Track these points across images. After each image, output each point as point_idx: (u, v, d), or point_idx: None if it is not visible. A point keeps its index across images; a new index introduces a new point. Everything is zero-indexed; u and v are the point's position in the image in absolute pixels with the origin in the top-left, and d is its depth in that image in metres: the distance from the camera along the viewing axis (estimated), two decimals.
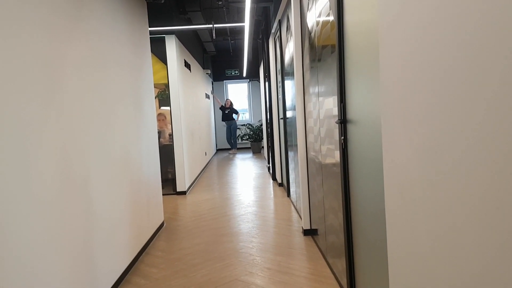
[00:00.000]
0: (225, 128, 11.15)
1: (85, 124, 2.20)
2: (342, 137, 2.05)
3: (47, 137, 1.77)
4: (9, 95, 1.51)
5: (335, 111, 2.24)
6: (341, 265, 2.35)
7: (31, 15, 1.71)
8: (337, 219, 2.38)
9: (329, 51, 2.33)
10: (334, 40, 2.16)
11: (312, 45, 2.86)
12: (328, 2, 2.27)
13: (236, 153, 11.30)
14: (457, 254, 0.89)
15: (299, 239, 3.34)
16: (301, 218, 3.72)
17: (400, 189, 1.20)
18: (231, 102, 11.00)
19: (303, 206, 3.43)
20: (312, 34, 2.82)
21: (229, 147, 11.71)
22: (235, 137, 11.12)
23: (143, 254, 3.20)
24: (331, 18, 2.22)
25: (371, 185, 1.69)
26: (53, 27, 1.91)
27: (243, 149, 12.37)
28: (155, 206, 3.74)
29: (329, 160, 2.49)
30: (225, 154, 11.30)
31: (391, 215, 1.28)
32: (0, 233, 1.41)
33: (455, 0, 0.85)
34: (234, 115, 10.99)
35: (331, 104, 2.34)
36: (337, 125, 2.18)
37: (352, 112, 1.92)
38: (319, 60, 2.62)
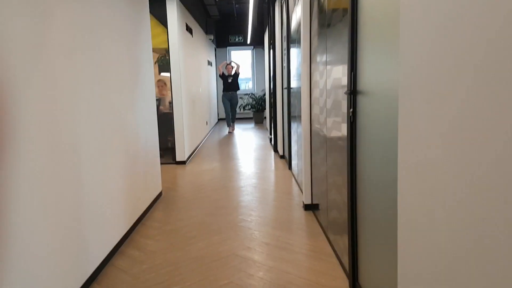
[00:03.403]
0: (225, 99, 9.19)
1: (74, 86, 2.04)
2: (351, 109, 1.90)
3: (31, 97, 1.62)
4: None
5: (344, 81, 2.07)
6: (342, 242, 2.26)
7: None
8: (340, 195, 2.26)
9: (340, 15, 2.13)
10: (346, 3, 1.96)
11: (321, 9, 2.65)
12: None
13: (233, 131, 9.35)
14: (474, 244, 0.77)
15: (300, 214, 3.25)
16: (302, 192, 3.62)
17: (417, 168, 1.07)
18: (233, 67, 9.10)
19: (304, 179, 3.32)
20: None
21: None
22: (234, 112, 9.28)
23: (139, 224, 3.12)
24: None
25: (381, 162, 1.56)
26: None
27: (245, 120, 12.20)
28: (152, 176, 3.64)
29: (334, 134, 2.35)
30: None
31: (404, 195, 1.15)
32: None
33: None
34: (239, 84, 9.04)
35: (340, 73, 2.17)
36: (346, 96, 2.02)
37: (363, 82, 1.75)
38: (329, 25, 2.42)
